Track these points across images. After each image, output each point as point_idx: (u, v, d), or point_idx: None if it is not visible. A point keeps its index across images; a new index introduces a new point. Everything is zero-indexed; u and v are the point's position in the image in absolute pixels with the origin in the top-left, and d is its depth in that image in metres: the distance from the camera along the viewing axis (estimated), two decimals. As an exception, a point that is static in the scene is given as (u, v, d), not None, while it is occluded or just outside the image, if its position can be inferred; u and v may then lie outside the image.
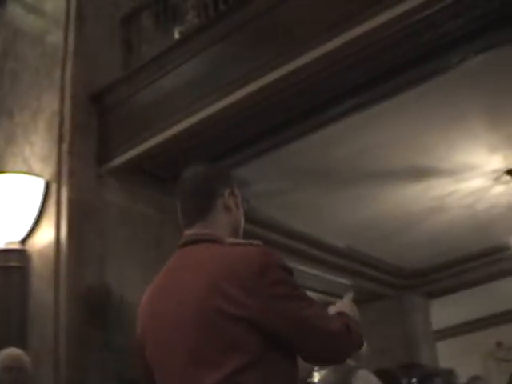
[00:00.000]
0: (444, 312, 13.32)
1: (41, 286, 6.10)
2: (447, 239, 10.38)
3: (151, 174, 6.90)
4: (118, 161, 6.56)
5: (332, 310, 2.44)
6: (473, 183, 8.86)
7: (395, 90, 5.94)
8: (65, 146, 6.41)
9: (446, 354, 13.37)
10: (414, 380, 10.85)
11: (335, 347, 2.21)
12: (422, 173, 8.32)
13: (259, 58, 5.55)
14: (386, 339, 10.79)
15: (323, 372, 5.35)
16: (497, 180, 8.86)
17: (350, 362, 5.80)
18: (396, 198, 8.96)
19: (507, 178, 8.74)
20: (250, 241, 2.20)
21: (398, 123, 7.10)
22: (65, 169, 6.34)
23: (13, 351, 5.01)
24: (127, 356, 5.73)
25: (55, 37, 6.98)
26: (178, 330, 2.14)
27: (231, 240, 2.28)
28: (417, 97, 6.36)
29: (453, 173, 8.45)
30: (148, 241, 6.77)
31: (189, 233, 2.34)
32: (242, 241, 2.26)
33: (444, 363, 11.71)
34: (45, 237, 6.24)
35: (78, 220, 6.25)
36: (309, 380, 4.99)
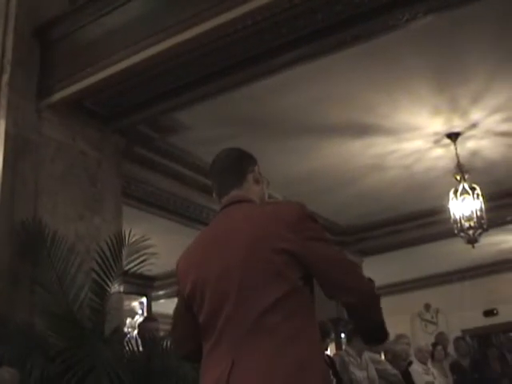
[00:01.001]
0: (376, 271, 13.47)
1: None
2: (384, 198, 10.53)
3: (91, 112, 6.80)
4: (59, 96, 6.41)
5: None
6: (413, 144, 8.96)
7: (342, 44, 5.88)
8: (5, 78, 6.26)
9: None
10: (342, 334, 11.08)
11: (360, 286, 2.58)
12: (363, 130, 8.37)
13: (204, 2, 5.47)
14: (320, 294, 10.92)
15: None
16: (437, 143, 8.97)
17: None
18: (336, 154, 9.00)
19: (447, 141, 8.85)
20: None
21: (343, 79, 7.10)
22: (3, 101, 6.19)
23: None
24: (55, 292, 5.72)
25: (0, -35, 6.79)
26: (232, 265, 2.56)
27: (268, 200, 2.96)
28: (363, 53, 6.37)
29: (394, 132, 8.52)
30: (84, 178, 6.70)
31: (227, 198, 2.81)
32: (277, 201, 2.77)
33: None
34: (-22, 169, 6.13)
35: (14, 154, 6.13)
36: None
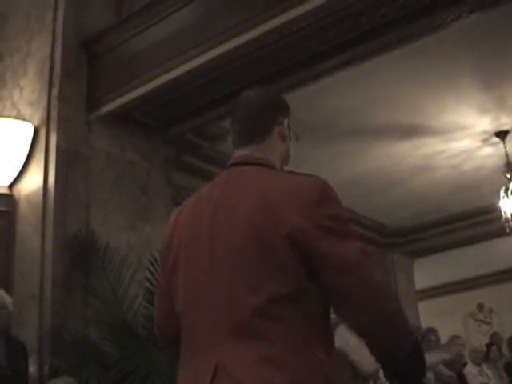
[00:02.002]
0: (427, 272, 13.43)
1: (27, 232, 6.12)
2: (433, 198, 10.44)
3: (140, 122, 6.89)
4: (107, 108, 6.53)
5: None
6: (461, 143, 8.88)
7: (387, 47, 5.87)
8: (55, 92, 6.37)
9: (428, 314, 13.49)
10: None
11: (373, 298, 2.01)
12: (411, 131, 8.33)
13: (251, 9, 5.50)
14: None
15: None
16: (485, 141, 8.89)
17: (332, 316, 5.90)
18: (384, 156, 8.97)
19: (496, 139, 8.76)
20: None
21: (390, 80, 7.08)
22: (54, 114, 6.30)
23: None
24: (109, 302, 5.79)
25: (47, -19, 6.90)
26: (226, 246, 2.09)
27: (287, 169, 2.34)
28: (408, 55, 6.33)
29: (442, 132, 8.47)
30: (134, 189, 6.78)
31: (241, 154, 2.29)
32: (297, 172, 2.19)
33: (425, 323, 11.80)
34: (32, 182, 6.23)
35: (66, 166, 6.24)
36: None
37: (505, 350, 10.48)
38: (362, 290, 1.99)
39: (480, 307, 16.51)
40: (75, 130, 6.41)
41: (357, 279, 1.98)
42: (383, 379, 6.25)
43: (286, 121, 2.38)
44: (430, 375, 7.35)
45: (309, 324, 2.01)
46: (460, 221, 11.41)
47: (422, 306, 13.64)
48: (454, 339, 8.73)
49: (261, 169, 2.22)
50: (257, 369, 1.93)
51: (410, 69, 6.86)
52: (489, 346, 9.77)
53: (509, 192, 8.68)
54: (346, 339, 5.49)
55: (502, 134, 8.65)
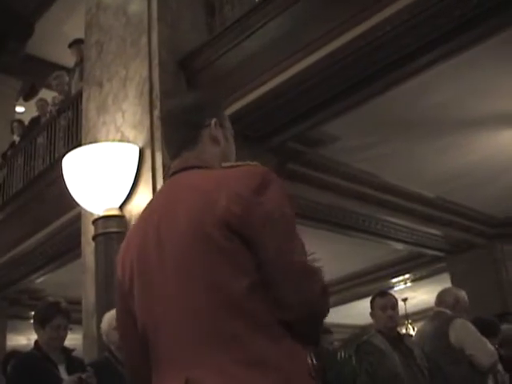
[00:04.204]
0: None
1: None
2: (540, 187, 10.18)
3: (241, 135, 6.94)
4: (208, 123, 6.60)
5: None
6: None
7: (483, 36, 5.77)
8: (156, 112, 6.50)
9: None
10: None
11: (308, 286, 1.95)
12: (512, 119, 8.16)
13: (341, 15, 5.53)
14: (479, 289, 10.66)
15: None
16: None
17: (447, 311, 5.83)
18: (487, 146, 8.80)
19: None
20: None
21: (488, 70, 6.94)
22: (157, 134, 6.42)
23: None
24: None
25: (137, 6, 7.07)
26: (173, 252, 1.99)
27: (225, 164, 2.15)
28: (506, 41, 6.22)
29: (547, 119, 8.26)
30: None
31: (176, 163, 2.19)
32: (238, 163, 2.11)
33: (541, 311, 11.52)
34: (141, 202, 6.34)
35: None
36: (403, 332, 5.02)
37: None
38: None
39: None
40: (178, 148, 6.50)
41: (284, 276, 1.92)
42: (503, 372, 6.10)
43: (213, 121, 2.24)
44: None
45: (273, 320, 1.91)
46: None
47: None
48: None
49: (197, 170, 2.13)
50: (232, 374, 1.83)
51: (506, 58, 6.73)
52: None
53: None
54: (464, 334, 5.49)
55: None
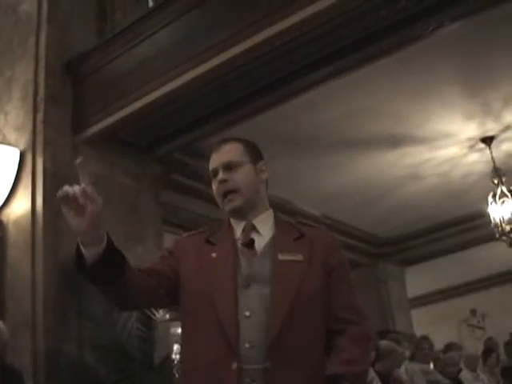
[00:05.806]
0: (419, 280, 13.43)
1: (17, 257, 6.07)
2: (422, 207, 10.45)
3: (127, 143, 6.86)
4: (94, 130, 6.48)
5: None
6: (448, 151, 8.90)
7: (371, 58, 5.84)
8: (39, 116, 6.35)
9: (421, 321, 13.52)
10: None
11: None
12: (397, 140, 8.33)
13: (235, 25, 5.48)
14: (363, 307, 10.82)
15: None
16: (472, 148, 8.90)
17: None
18: (371, 166, 8.97)
19: (482, 145, 8.78)
20: None
21: (374, 91, 7.08)
22: (40, 138, 6.27)
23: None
24: (103, 324, 5.75)
25: (28, 5, 6.89)
26: None
27: None
28: (393, 64, 6.33)
29: (428, 140, 8.48)
30: (125, 209, 6.74)
31: None
32: None
33: (419, 330, 11.82)
34: (20, 207, 6.20)
35: (54, 190, 6.14)
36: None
37: (501, 354, 10.45)
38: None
39: (473, 312, 16.51)
40: (62, 153, 6.36)
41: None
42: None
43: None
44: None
45: None
46: (449, 228, 11.40)
47: (416, 314, 13.66)
48: (449, 346, 8.74)
49: None
50: None
51: (393, 78, 6.88)
52: (487, 352, 9.69)
53: (497, 197, 8.71)
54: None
55: (487, 140, 8.67)
